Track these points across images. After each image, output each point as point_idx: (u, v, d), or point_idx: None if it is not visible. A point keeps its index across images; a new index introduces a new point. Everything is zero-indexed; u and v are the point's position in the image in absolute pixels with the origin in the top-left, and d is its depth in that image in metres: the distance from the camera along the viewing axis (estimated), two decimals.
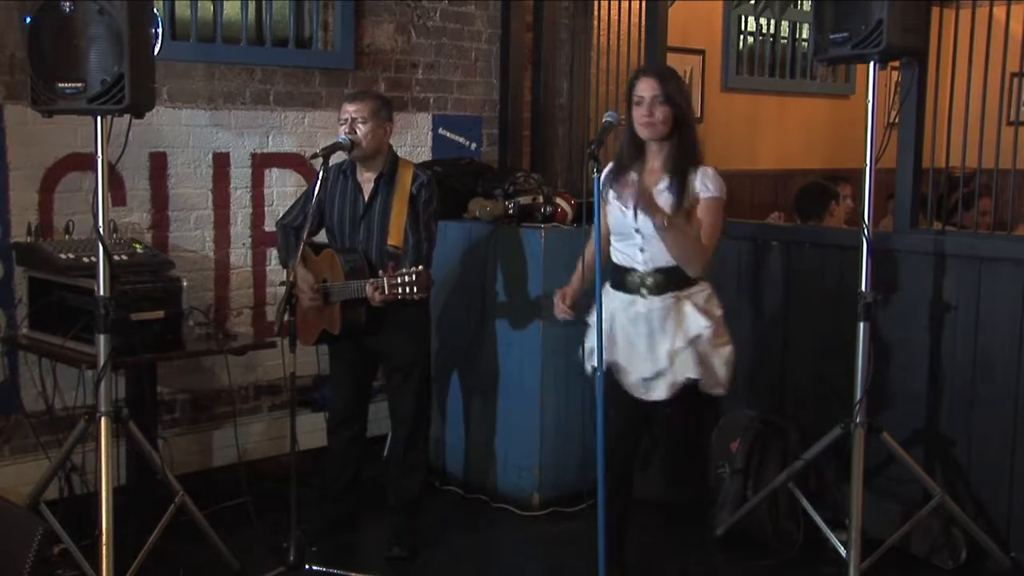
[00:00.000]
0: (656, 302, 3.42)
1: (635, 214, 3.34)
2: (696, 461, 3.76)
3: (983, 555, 3.96)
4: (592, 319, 3.46)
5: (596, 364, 3.32)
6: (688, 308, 3.41)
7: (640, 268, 3.44)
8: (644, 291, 3.43)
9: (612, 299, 3.48)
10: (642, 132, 3.43)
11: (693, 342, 3.40)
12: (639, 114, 3.41)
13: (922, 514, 3.89)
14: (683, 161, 3.40)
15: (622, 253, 3.49)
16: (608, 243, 3.52)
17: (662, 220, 3.26)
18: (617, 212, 3.44)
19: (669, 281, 3.42)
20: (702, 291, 3.46)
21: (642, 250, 3.42)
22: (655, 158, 3.47)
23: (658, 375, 3.43)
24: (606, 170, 3.51)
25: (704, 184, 3.39)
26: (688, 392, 3.43)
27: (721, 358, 3.46)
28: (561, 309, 3.56)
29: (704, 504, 4.40)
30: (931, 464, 4.15)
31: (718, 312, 3.48)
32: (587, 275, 3.56)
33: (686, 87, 3.55)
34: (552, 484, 4.59)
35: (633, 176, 3.40)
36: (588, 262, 3.56)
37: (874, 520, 4.02)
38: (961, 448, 4.11)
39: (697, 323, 3.40)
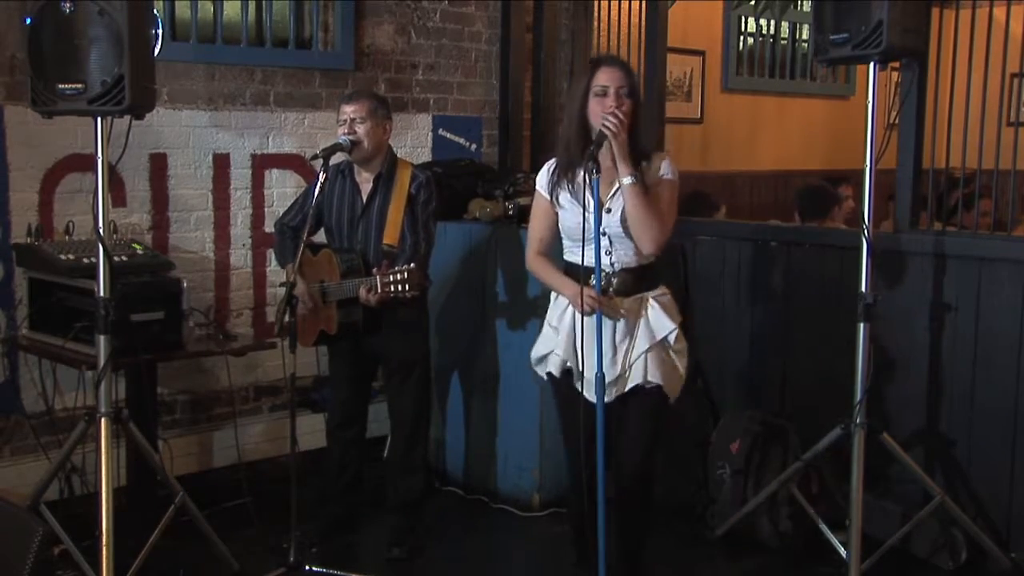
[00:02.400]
0: (624, 303, 3.30)
1: (595, 215, 3.17)
2: (647, 477, 3.49)
3: (983, 556, 3.96)
4: (553, 321, 3.43)
5: (578, 368, 3.28)
6: (654, 311, 3.30)
7: (606, 269, 3.27)
8: (611, 291, 3.28)
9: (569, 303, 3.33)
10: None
11: (658, 345, 3.29)
12: (606, 104, 3.19)
13: (922, 515, 3.89)
14: (638, 157, 3.25)
15: (582, 255, 3.22)
16: (548, 246, 3.43)
17: (633, 170, 3.15)
18: (576, 215, 3.23)
19: (637, 281, 3.30)
20: (664, 294, 3.37)
21: (608, 252, 3.27)
22: (606, 154, 3.22)
23: (617, 379, 3.30)
24: (548, 169, 3.39)
25: (665, 171, 3.29)
26: (645, 396, 3.31)
27: (683, 363, 3.36)
28: (590, 298, 3.20)
29: (704, 504, 4.42)
30: (931, 465, 4.15)
31: (678, 317, 3.37)
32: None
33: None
34: (552, 485, 4.59)
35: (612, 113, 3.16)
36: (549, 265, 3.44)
37: (874, 521, 4.02)
38: (961, 449, 4.11)
39: (664, 325, 3.29)
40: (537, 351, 3.50)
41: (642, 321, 3.30)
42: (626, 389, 3.33)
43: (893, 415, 4.17)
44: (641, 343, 3.29)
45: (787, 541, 4.19)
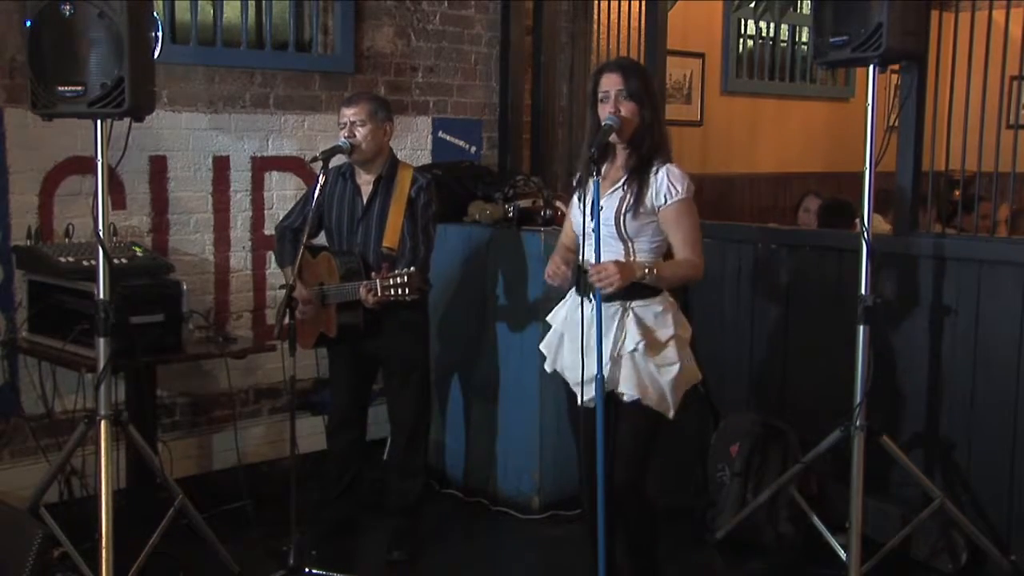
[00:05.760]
0: (603, 308, 3.18)
1: (592, 215, 3.16)
2: (635, 490, 3.34)
3: (983, 558, 3.96)
4: (553, 319, 3.44)
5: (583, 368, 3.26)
6: (630, 321, 3.20)
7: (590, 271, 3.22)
8: (591, 294, 3.18)
9: (568, 300, 3.37)
10: None
11: (628, 357, 3.19)
12: (604, 111, 3.23)
13: (922, 517, 3.89)
14: (646, 161, 3.23)
15: (578, 255, 3.29)
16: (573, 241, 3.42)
17: (644, 274, 3.15)
18: (577, 215, 3.28)
19: (617, 289, 3.16)
20: (655, 307, 3.23)
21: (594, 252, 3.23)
22: (622, 158, 3.30)
23: (588, 381, 3.21)
24: (576, 176, 3.41)
25: (670, 187, 3.19)
26: (629, 409, 3.24)
27: (665, 379, 3.21)
28: (556, 268, 3.33)
29: (704, 507, 4.42)
30: (931, 467, 4.15)
31: (668, 331, 3.23)
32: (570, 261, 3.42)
33: (652, 81, 3.34)
34: (552, 487, 4.59)
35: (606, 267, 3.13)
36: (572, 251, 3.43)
37: (874, 523, 4.02)
38: (961, 451, 4.11)
39: (632, 338, 3.18)
40: (542, 348, 3.53)
41: (618, 329, 3.21)
42: (602, 393, 3.22)
43: (893, 417, 4.17)
44: (611, 352, 3.20)
45: (787, 544, 4.19)
